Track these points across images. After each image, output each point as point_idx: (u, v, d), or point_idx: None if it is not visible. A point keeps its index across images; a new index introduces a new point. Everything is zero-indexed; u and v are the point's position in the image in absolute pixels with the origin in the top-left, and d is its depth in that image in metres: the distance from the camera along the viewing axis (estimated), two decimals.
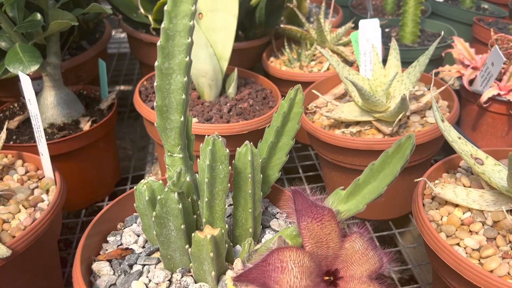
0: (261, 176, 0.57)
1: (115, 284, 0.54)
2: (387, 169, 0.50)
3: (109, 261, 0.57)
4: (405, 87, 0.85)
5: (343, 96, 0.97)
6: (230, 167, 0.53)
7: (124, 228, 0.63)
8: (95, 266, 0.56)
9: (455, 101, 0.86)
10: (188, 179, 0.56)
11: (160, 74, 0.49)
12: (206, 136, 0.52)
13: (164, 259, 0.54)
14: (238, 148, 0.54)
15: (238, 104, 0.92)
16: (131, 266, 0.56)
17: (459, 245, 0.59)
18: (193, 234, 0.49)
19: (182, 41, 0.47)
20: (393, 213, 0.92)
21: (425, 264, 0.87)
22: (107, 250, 0.60)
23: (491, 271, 0.54)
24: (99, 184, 1.00)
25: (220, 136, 0.52)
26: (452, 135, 0.65)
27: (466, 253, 0.57)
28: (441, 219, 0.63)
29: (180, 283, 0.53)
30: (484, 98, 0.95)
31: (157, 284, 0.53)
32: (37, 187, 0.72)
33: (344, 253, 0.49)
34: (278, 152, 0.61)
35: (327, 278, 0.48)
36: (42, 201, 0.69)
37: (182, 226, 0.51)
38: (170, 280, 0.54)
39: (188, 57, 0.48)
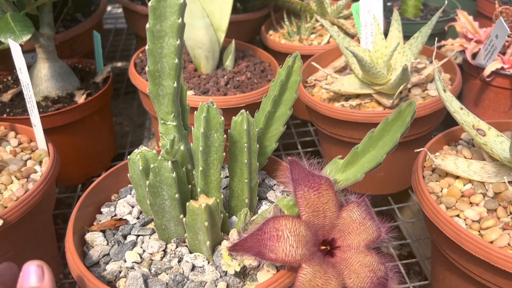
0: (258, 146, 0.55)
1: (108, 254, 0.53)
2: (386, 137, 0.49)
3: (103, 231, 0.56)
4: (407, 59, 0.83)
5: (343, 69, 0.95)
6: (225, 136, 0.52)
7: (119, 199, 0.62)
8: (88, 236, 0.55)
9: (457, 74, 0.84)
10: (182, 148, 0.54)
11: (152, 37, 0.47)
12: (200, 103, 0.50)
13: (158, 229, 0.53)
14: (234, 117, 0.53)
15: (235, 77, 0.90)
16: (125, 237, 0.55)
17: (459, 217, 0.58)
18: (187, 203, 0.48)
19: (174, 2, 0.45)
20: (392, 188, 0.91)
21: (424, 238, 0.86)
22: (101, 220, 0.59)
23: (491, 242, 0.53)
24: (95, 159, 0.99)
25: (214, 104, 0.50)
26: (454, 106, 0.64)
27: (466, 224, 0.56)
28: (441, 191, 0.62)
29: (174, 253, 0.52)
30: (487, 71, 0.92)
31: (151, 254, 0.52)
32: (30, 158, 0.70)
33: (341, 223, 0.48)
34: (276, 122, 0.60)
35: (323, 247, 0.47)
36: (35, 172, 0.68)
37: (176, 195, 0.50)
38: (164, 250, 0.53)
39: (180, 18, 0.46)
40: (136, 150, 0.53)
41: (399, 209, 0.91)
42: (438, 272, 0.69)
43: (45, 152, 0.71)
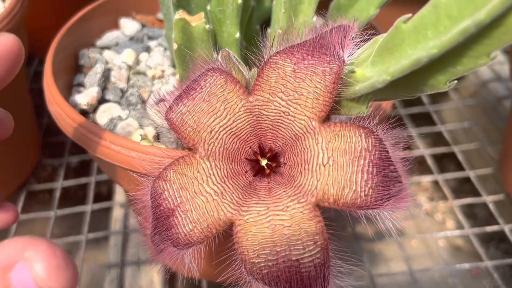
0: None
1: (118, 44, 0.48)
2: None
3: (143, 25, 0.51)
4: None
5: None
6: None
7: None
8: (123, 20, 0.50)
9: None
10: None
11: None
12: None
13: (169, 41, 0.42)
14: None
15: None
16: (150, 38, 0.49)
17: None
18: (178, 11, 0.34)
19: None
20: None
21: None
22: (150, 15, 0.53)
23: None
24: None
25: None
26: None
27: None
28: None
29: (167, 79, 0.44)
30: None
31: (148, 66, 0.45)
32: None
33: (309, 142, 0.27)
34: None
35: (259, 158, 0.29)
36: None
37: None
38: (163, 71, 0.44)
39: None
40: None
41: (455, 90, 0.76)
42: None
43: None
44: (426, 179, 0.66)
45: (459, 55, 0.23)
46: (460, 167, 0.66)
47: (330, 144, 0.26)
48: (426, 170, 0.69)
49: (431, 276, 0.59)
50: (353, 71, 0.27)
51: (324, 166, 0.26)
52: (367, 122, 0.27)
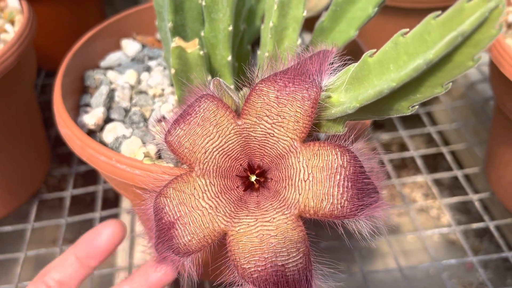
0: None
1: (120, 65, 0.51)
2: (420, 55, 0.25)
3: (143, 45, 0.54)
4: None
5: None
6: None
7: None
8: (125, 42, 0.53)
9: None
10: None
11: None
12: None
13: (167, 61, 0.45)
14: None
15: None
16: (150, 58, 0.52)
17: None
18: (173, 38, 0.37)
19: None
20: None
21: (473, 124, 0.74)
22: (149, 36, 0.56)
23: None
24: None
25: None
26: None
27: None
28: None
29: (166, 97, 0.47)
30: None
31: (149, 86, 0.48)
32: None
33: (291, 160, 0.31)
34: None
35: (249, 174, 0.32)
36: (6, 32, 0.54)
37: (169, 24, 0.39)
38: (163, 90, 0.47)
39: None
40: None
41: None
42: (498, 146, 0.58)
43: (17, 10, 0.56)
44: (417, 179, 0.69)
45: (418, 85, 0.26)
46: (449, 167, 0.70)
47: (310, 162, 0.30)
48: (417, 171, 0.72)
49: (425, 271, 0.62)
50: (329, 96, 0.31)
51: (305, 181, 0.30)
52: (343, 141, 0.31)
